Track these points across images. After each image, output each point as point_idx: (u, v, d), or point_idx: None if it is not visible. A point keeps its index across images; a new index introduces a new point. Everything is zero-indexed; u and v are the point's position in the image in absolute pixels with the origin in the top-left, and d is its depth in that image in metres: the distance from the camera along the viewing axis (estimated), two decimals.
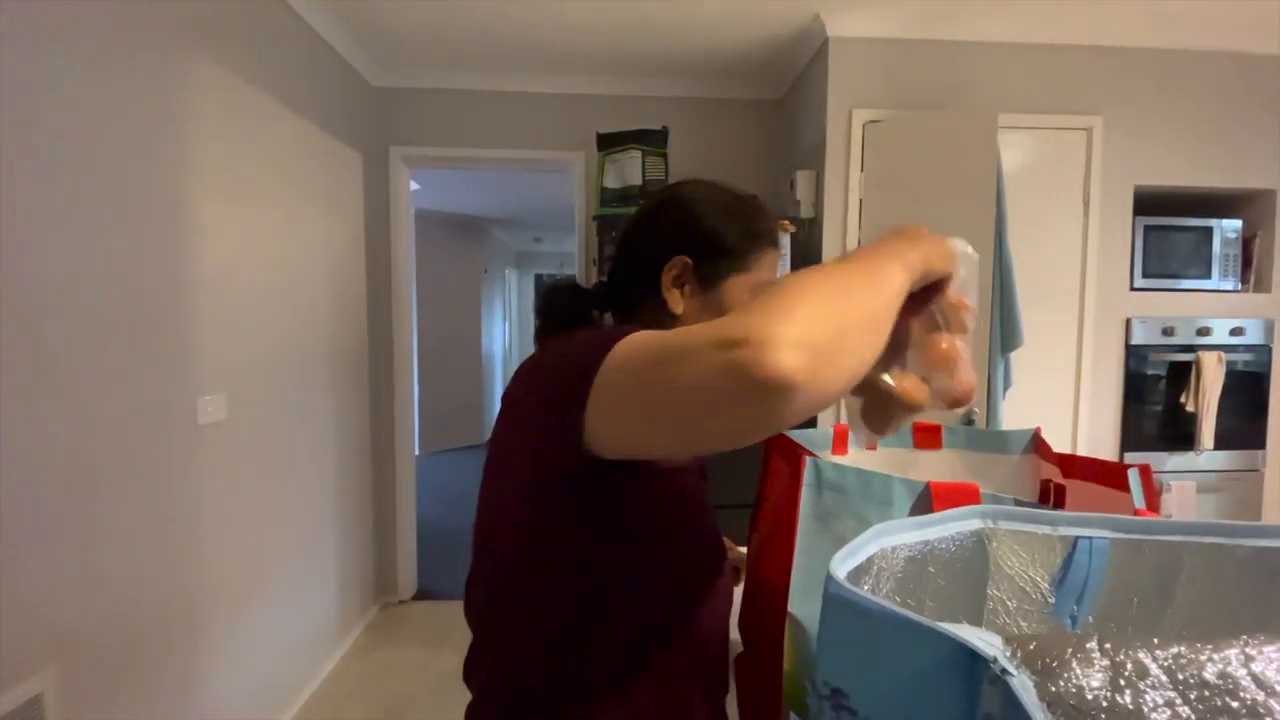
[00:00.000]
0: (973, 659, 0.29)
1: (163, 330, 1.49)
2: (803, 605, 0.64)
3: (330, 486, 2.36)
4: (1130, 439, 2.36)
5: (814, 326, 0.36)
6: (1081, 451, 2.15)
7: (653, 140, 2.26)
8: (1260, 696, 0.24)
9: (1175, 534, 0.41)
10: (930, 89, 2.21)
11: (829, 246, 2.24)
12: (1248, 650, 0.25)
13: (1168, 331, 2.34)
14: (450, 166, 2.94)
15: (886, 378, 0.48)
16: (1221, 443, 2.31)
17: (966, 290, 0.50)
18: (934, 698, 0.31)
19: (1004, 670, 0.27)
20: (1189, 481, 2.34)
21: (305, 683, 2.17)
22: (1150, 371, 2.37)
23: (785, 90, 2.72)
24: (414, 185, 3.43)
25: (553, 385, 0.52)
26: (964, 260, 0.50)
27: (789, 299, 0.37)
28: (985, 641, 0.28)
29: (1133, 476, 0.60)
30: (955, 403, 0.49)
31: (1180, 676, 0.25)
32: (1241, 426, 2.35)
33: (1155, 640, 0.27)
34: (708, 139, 2.78)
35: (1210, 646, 0.26)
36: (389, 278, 2.83)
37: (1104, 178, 2.27)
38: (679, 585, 0.60)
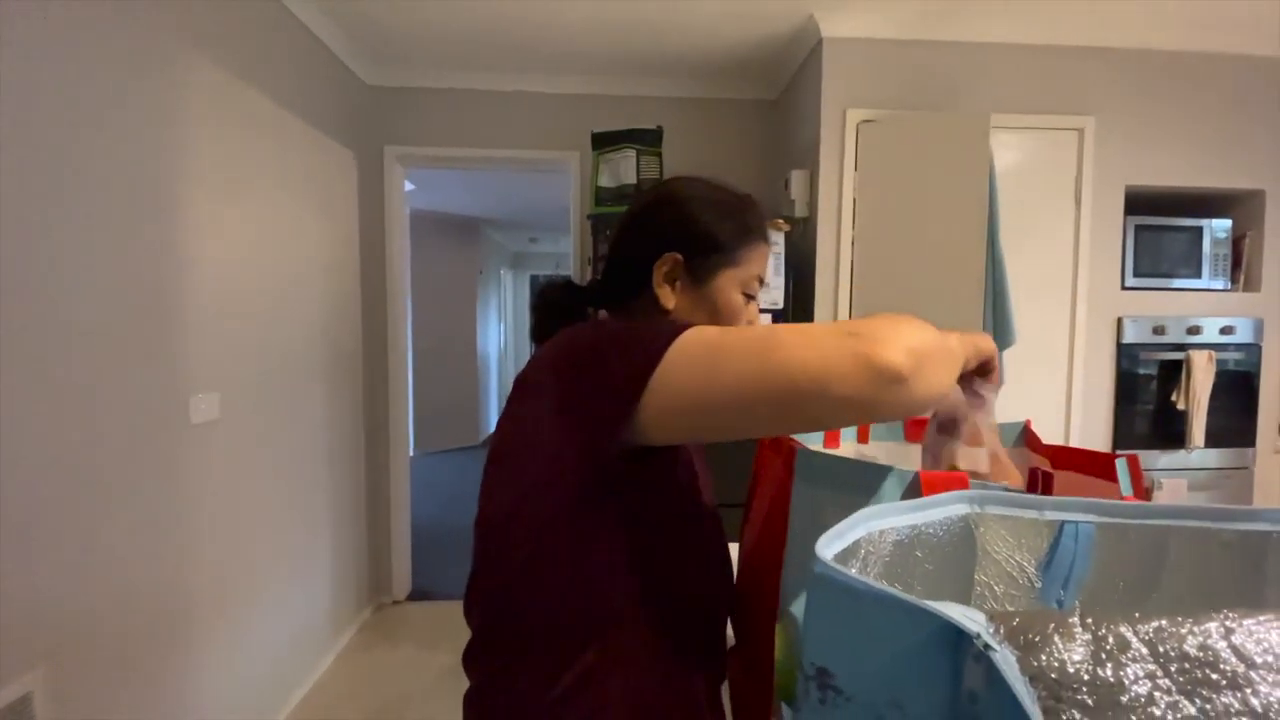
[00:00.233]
0: (957, 637, 0.29)
1: (155, 328, 1.48)
2: (794, 596, 0.65)
3: (324, 486, 2.35)
4: (1122, 437, 2.38)
5: (915, 343, 0.46)
6: None
7: (647, 140, 2.26)
8: (1240, 668, 0.25)
9: (1160, 518, 0.42)
10: (924, 89, 2.23)
11: (823, 246, 2.25)
12: (1227, 623, 0.26)
13: (1159, 330, 2.36)
14: (445, 166, 2.94)
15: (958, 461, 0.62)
16: (1212, 441, 2.33)
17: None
18: (919, 676, 0.31)
19: (987, 646, 0.27)
20: (1180, 479, 2.35)
21: (299, 683, 2.16)
22: (1141, 370, 2.38)
23: (780, 90, 2.73)
24: (409, 185, 3.42)
25: (596, 373, 0.53)
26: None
27: (893, 321, 0.47)
28: (969, 618, 0.28)
29: (1120, 466, 0.61)
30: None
31: (1161, 649, 0.26)
32: (1231, 425, 2.37)
33: (1136, 615, 0.27)
34: (703, 139, 2.79)
35: (1191, 620, 0.26)
36: (383, 277, 2.82)
37: (1096, 178, 2.29)
38: (688, 572, 0.60)
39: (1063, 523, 0.42)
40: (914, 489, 0.59)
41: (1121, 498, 0.58)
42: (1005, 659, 0.26)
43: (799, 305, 2.31)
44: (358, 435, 2.67)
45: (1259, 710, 0.23)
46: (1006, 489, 0.50)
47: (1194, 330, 2.35)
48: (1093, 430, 2.36)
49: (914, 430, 0.91)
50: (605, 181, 2.27)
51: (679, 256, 0.68)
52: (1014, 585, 0.44)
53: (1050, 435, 2.42)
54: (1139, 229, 2.36)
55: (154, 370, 1.47)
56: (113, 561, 1.36)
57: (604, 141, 2.29)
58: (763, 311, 2.00)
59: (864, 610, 0.31)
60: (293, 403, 2.11)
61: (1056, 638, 0.27)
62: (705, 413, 0.50)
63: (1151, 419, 2.38)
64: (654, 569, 0.57)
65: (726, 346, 0.50)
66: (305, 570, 2.22)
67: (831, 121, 2.22)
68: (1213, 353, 2.30)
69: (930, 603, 0.29)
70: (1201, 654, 0.25)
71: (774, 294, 2.16)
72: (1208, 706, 0.24)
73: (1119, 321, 2.35)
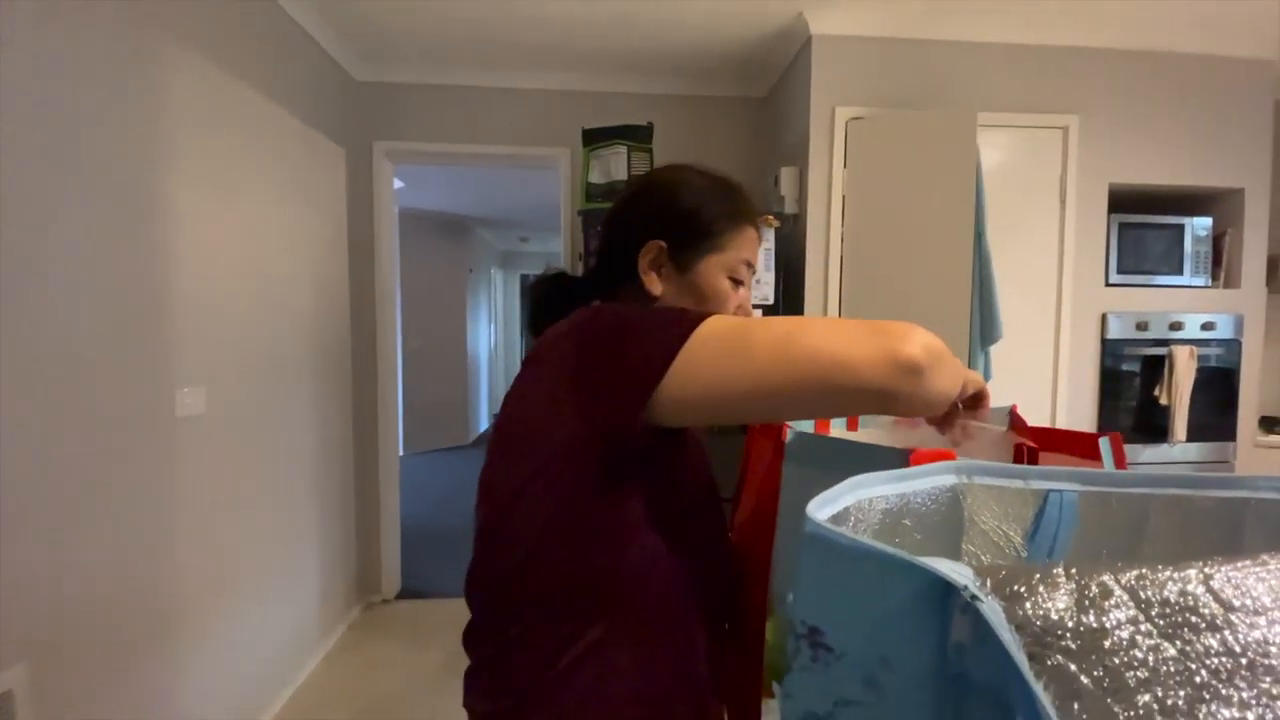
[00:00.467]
0: (944, 592, 0.30)
1: (141, 321, 1.46)
2: (786, 576, 0.65)
3: (311, 484, 2.33)
4: (1106, 431, 2.41)
5: (931, 342, 0.50)
6: None
7: (638, 136, 2.26)
8: (1220, 611, 0.25)
9: (1141, 486, 0.43)
10: (912, 87, 2.25)
11: (813, 242, 2.26)
12: (1206, 570, 0.26)
13: (1141, 326, 2.39)
14: (435, 162, 2.93)
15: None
16: (1194, 435, 2.36)
17: None
18: (907, 633, 0.31)
19: (974, 596, 0.27)
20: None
21: (287, 682, 2.14)
22: (1125, 366, 2.41)
23: (769, 88, 2.74)
24: (398, 183, 3.41)
25: (617, 355, 0.55)
26: None
27: (908, 324, 0.51)
28: (956, 572, 0.29)
29: (1103, 445, 0.62)
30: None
31: (1142, 596, 0.26)
32: (1212, 419, 2.40)
33: (1119, 565, 0.28)
34: (692, 136, 2.80)
35: (1171, 568, 0.27)
36: (372, 275, 2.81)
37: (1080, 176, 2.32)
38: (694, 549, 0.60)
39: (1048, 492, 0.43)
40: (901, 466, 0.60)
41: None
42: (992, 609, 0.27)
43: (789, 301, 2.32)
44: (346, 433, 2.66)
45: (1237, 650, 0.24)
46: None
47: (1176, 326, 2.38)
48: (1077, 424, 2.39)
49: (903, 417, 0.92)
50: (596, 178, 2.27)
51: (663, 243, 0.69)
52: (1000, 555, 0.45)
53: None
54: (1122, 226, 2.40)
55: (139, 363, 1.46)
56: (96, 557, 1.34)
57: (595, 138, 2.29)
58: (754, 306, 2.01)
59: (854, 568, 0.31)
60: (280, 399, 2.09)
61: (1041, 588, 0.28)
62: (728, 398, 0.52)
63: (1135, 414, 2.42)
64: (662, 546, 0.58)
65: (753, 334, 0.52)
66: (293, 568, 2.20)
67: (821, 119, 2.23)
68: (1194, 348, 2.34)
69: (918, 558, 0.29)
70: (1181, 599, 0.26)
71: (764, 289, 2.17)
72: (1188, 648, 0.25)
73: (1103, 318, 2.38)
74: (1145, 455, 2.39)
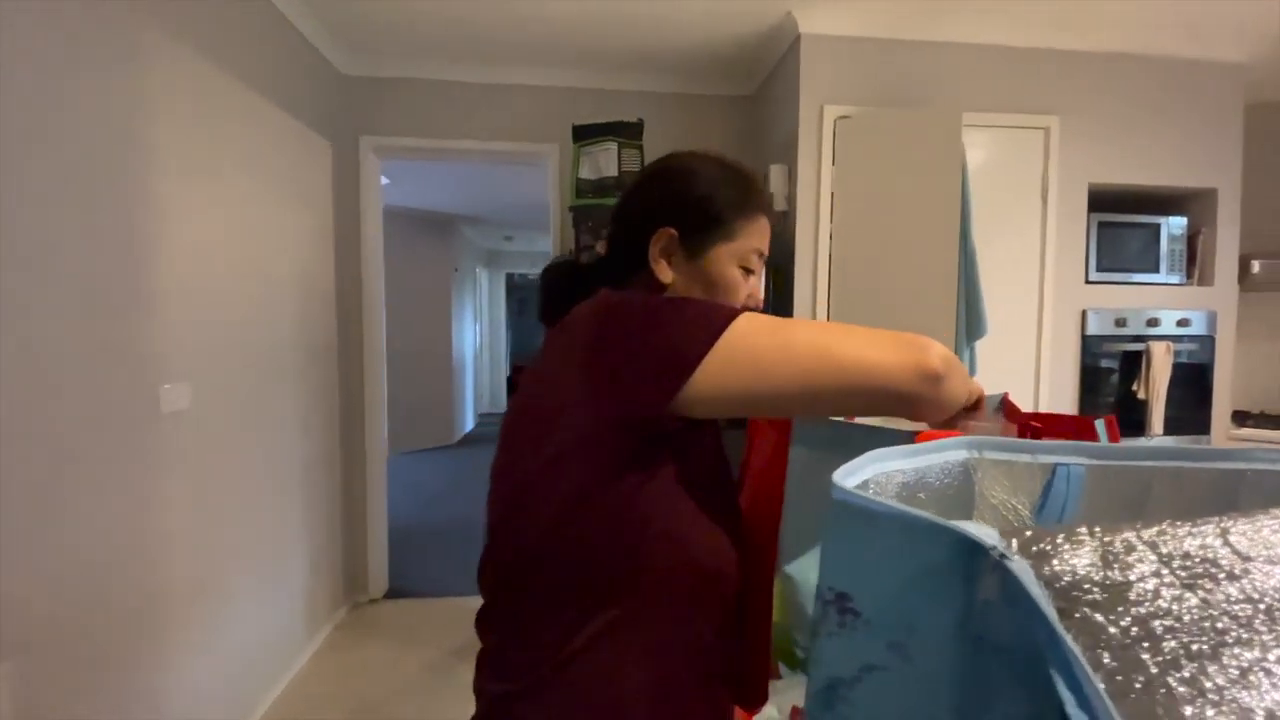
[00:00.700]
0: (970, 553, 0.31)
1: (126, 316, 1.44)
2: (792, 556, 0.66)
3: (297, 482, 2.31)
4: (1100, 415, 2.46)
5: (947, 354, 0.55)
6: None
7: (629, 133, 2.27)
8: (1238, 562, 0.26)
9: (1144, 459, 0.44)
10: (898, 87, 2.28)
11: (802, 239, 2.28)
12: (1224, 524, 0.28)
13: (1120, 323, 2.45)
14: (422, 158, 2.91)
15: None
16: (1170, 428, 2.42)
17: None
18: (931, 597, 0.32)
19: (1002, 555, 0.28)
20: None
21: (274, 682, 2.11)
22: (1104, 362, 2.47)
23: (757, 86, 2.76)
24: (383, 180, 3.37)
25: (647, 345, 0.56)
26: None
27: (928, 339, 0.55)
28: (984, 533, 0.30)
29: (1099, 427, 0.63)
30: None
31: (1163, 550, 0.27)
32: (1188, 414, 2.47)
33: (1139, 523, 0.29)
34: (681, 133, 2.81)
35: (1189, 524, 0.28)
36: (359, 272, 2.78)
37: (1061, 175, 2.37)
38: (710, 536, 0.61)
39: (1055, 466, 0.45)
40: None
41: None
42: (1021, 567, 0.28)
43: (778, 297, 2.34)
44: (332, 431, 2.63)
45: (1256, 597, 0.25)
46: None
47: (1153, 323, 2.45)
48: None
49: None
50: (586, 174, 2.27)
51: (673, 231, 0.68)
52: (1008, 527, 0.46)
53: None
54: (1101, 226, 2.45)
55: (123, 358, 1.43)
56: (79, 556, 1.31)
57: (585, 134, 2.30)
58: None
59: (882, 532, 0.32)
60: (266, 396, 2.06)
61: (1066, 546, 0.29)
62: (766, 395, 0.55)
63: (1114, 408, 2.47)
64: (678, 530, 0.58)
65: (792, 336, 0.55)
66: (280, 567, 2.17)
67: (809, 117, 2.26)
68: (1170, 344, 2.40)
69: (945, 520, 0.30)
70: (1201, 552, 0.27)
71: None
72: (1210, 596, 0.26)
73: (1083, 314, 2.44)
74: None
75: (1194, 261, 2.51)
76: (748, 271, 0.71)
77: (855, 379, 0.53)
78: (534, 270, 8.76)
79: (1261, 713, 0.23)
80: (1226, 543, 0.27)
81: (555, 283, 0.74)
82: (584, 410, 0.57)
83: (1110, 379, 2.47)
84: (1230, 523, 0.27)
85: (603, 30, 2.39)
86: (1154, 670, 0.25)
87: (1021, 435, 0.60)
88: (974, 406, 0.61)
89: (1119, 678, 0.25)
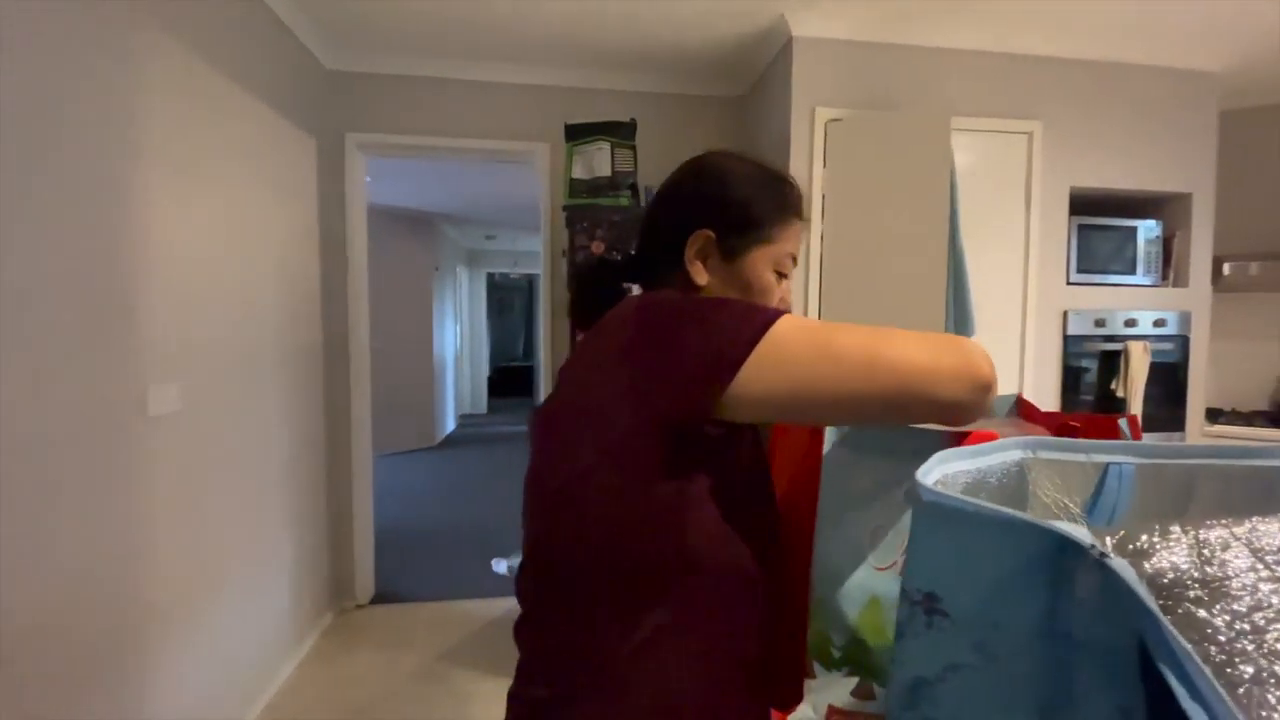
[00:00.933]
0: (1060, 552, 0.31)
1: (112, 315, 1.39)
2: (828, 558, 0.67)
3: (283, 486, 2.26)
4: (1124, 414, 2.52)
5: (992, 360, 0.54)
6: None
7: (621, 133, 2.27)
8: None
9: (1190, 457, 0.45)
10: (888, 90, 2.31)
11: None
12: None
13: (1099, 323, 2.52)
14: (409, 156, 2.87)
15: None
16: (1147, 425, 2.50)
17: None
18: (1018, 594, 0.33)
19: (1103, 554, 0.29)
20: None
21: (260, 691, 2.07)
22: (1084, 361, 2.54)
23: (748, 87, 2.78)
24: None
25: (689, 345, 0.55)
26: None
27: (973, 342, 0.54)
28: (1079, 532, 0.30)
29: (1123, 425, 0.65)
30: None
31: (1257, 545, 0.28)
32: (1164, 411, 2.55)
33: (1228, 520, 0.30)
34: (670, 134, 2.81)
35: (1278, 519, 0.29)
36: (344, 270, 2.73)
37: (1043, 179, 2.43)
38: (750, 533, 0.61)
39: (1107, 465, 0.46)
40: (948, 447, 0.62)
41: None
42: (1121, 565, 0.29)
43: None
44: (317, 433, 2.58)
45: None
46: None
47: (1130, 323, 2.52)
48: None
49: None
50: (579, 173, 2.27)
51: (710, 233, 0.68)
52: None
53: None
54: (1081, 228, 2.52)
55: (109, 357, 1.38)
56: (64, 563, 1.26)
57: (578, 133, 2.29)
58: None
59: (974, 533, 0.33)
60: (252, 397, 2.02)
61: (1160, 544, 0.29)
62: (808, 398, 0.54)
63: (1094, 406, 2.54)
64: (722, 531, 0.58)
65: (836, 338, 0.53)
66: (266, 572, 2.12)
67: (801, 120, 2.28)
68: (1147, 344, 2.48)
69: (1041, 520, 0.31)
70: None
71: None
72: None
73: (1064, 315, 2.50)
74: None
75: (1169, 263, 2.59)
76: (781, 275, 0.70)
77: (903, 384, 0.51)
78: (515, 270, 8.70)
79: None
80: None
81: (588, 284, 0.73)
82: (625, 413, 0.56)
83: (1090, 377, 2.54)
84: None
85: (593, 29, 2.38)
86: (1262, 661, 0.26)
87: (1057, 434, 0.61)
88: None
89: (1229, 670, 0.26)
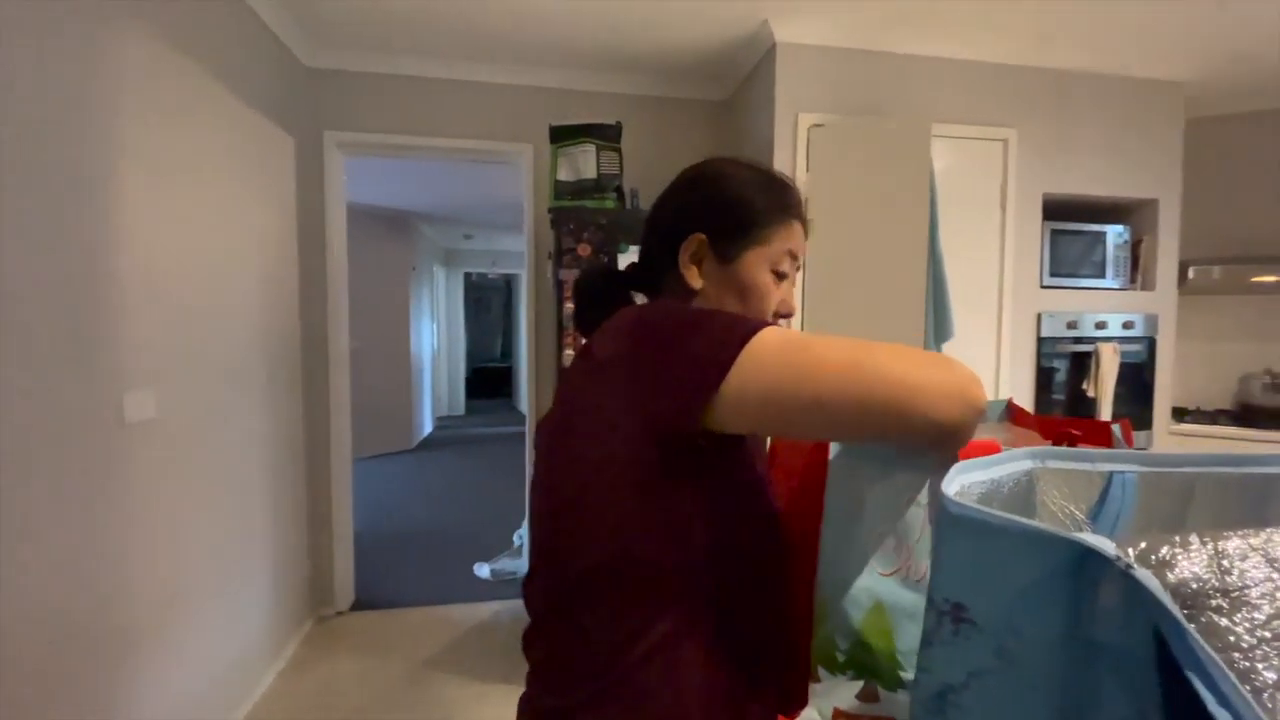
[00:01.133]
0: (1082, 561, 0.32)
1: (85, 319, 1.35)
2: (832, 562, 0.68)
3: (262, 491, 2.21)
4: (1118, 419, 2.59)
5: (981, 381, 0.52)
6: None
7: (607, 135, 2.26)
8: None
9: (1190, 466, 0.47)
10: (869, 96, 2.35)
11: None
12: None
13: (1071, 325, 2.59)
14: (390, 155, 2.83)
15: None
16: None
17: None
18: (1043, 599, 0.34)
19: (1129, 565, 0.30)
20: None
21: (239, 703, 2.02)
22: (1057, 362, 2.61)
23: (732, 91, 2.80)
24: None
25: (677, 357, 0.54)
26: None
27: (962, 363, 0.52)
28: (1103, 543, 0.31)
29: (1116, 431, 0.67)
30: None
31: (1273, 555, 0.30)
32: (1132, 410, 2.63)
33: (1245, 530, 0.31)
34: (654, 137, 2.82)
35: None
36: (323, 271, 2.69)
37: (1018, 185, 2.49)
38: (752, 541, 0.61)
39: (1111, 473, 0.47)
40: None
41: None
42: (1145, 576, 0.30)
43: None
44: (296, 437, 2.53)
45: None
46: None
47: (1101, 325, 2.60)
48: None
49: None
50: (564, 175, 2.26)
51: (703, 236, 0.68)
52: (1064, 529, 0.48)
53: None
54: (1054, 233, 2.59)
55: (84, 363, 1.34)
56: (37, 574, 1.22)
57: (563, 135, 2.28)
58: None
59: (999, 543, 0.34)
60: (231, 402, 1.97)
61: (1181, 554, 0.31)
62: (787, 409, 0.52)
63: (1066, 405, 2.62)
64: (724, 540, 0.59)
65: (818, 348, 0.52)
66: (244, 581, 2.08)
67: (784, 125, 2.30)
68: (1117, 345, 2.56)
69: (1065, 531, 0.32)
70: None
71: None
72: None
73: (1038, 317, 2.57)
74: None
75: (1137, 267, 2.68)
76: (780, 276, 0.70)
77: (888, 399, 0.49)
78: (494, 270, 8.63)
79: None
80: None
81: (590, 291, 0.74)
82: (620, 424, 0.57)
83: (1063, 378, 2.62)
84: None
85: (577, 31, 2.38)
86: None
87: (1058, 444, 0.63)
88: None
89: (1252, 677, 0.27)
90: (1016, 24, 2.26)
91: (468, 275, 8.76)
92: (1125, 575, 0.30)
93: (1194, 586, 0.29)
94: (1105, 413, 2.55)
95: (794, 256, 0.71)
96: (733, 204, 0.69)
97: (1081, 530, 0.50)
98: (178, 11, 1.68)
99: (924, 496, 0.68)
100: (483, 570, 3.21)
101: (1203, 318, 2.92)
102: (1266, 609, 0.28)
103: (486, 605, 2.90)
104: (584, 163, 2.25)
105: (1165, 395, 2.66)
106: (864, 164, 2.25)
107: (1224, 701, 0.27)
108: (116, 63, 1.44)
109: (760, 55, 2.42)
